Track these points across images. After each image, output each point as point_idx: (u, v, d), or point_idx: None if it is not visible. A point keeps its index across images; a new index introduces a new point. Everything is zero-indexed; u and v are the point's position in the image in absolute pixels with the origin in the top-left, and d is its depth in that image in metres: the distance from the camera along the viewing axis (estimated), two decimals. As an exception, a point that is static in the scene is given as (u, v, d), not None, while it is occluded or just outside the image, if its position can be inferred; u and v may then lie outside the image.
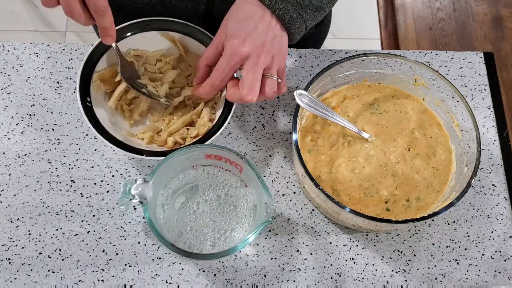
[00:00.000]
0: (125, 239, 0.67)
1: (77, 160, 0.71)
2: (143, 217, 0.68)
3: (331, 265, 0.67)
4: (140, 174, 0.71)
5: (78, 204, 0.69)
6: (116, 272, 0.66)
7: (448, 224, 0.70)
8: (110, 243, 0.67)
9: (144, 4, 0.75)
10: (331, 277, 0.67)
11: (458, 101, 0.66)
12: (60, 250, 0.66)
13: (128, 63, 0.69)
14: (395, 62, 0.69)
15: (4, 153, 0.71)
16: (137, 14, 0.69)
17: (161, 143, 0.67)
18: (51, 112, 0.73)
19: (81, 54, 0.77)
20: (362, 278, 0.67)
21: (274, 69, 0.62)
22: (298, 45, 0.79)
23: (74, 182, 0.70)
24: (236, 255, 0.67)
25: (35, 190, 0.69)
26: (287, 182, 0.71)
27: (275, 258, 0.67)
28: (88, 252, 0.66)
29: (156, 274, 0.66)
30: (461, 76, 0.79)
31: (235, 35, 0.60)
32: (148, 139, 0.67)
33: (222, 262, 0.67)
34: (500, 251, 0.69)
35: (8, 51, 0.76)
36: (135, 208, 0.69)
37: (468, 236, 0.69)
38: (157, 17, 0.70)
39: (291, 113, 0.75)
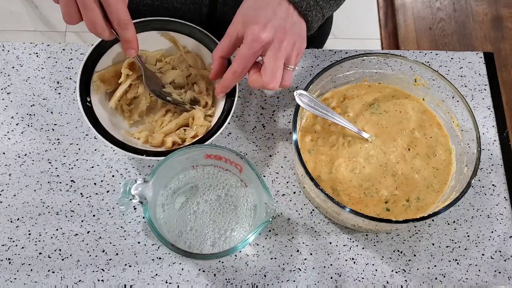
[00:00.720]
0: (125, 239, 0.67)
1: (77, 160, 0.71)
2: (143, 217, 0.68)
3: (331, 265, 0.67)
4: (140, 174, 0.71)
5: (78, 204, 0.69)
6: (116, 272, 0.66)
7: (448, 224, 0.70)
8: (110, 243, 0.67)
9: (146, 7, 0.75)
10: (331, 277, 0.67)
11: (458, 101, 0.67)
12: (60, 250, 0.66)
13: (152, 73, 0.69)
14: (395, 62, 0.69)
15: (4, 153, 0.71)
16: (140, 16, 0.70)
17: (157, 144, 0.67)
18: (51, 112, 0.73)
19: (81, 54, 0.77)
20: (362, 278, 0.67)
21: (294, 57, 0.61)
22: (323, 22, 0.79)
23: (74, 182, 0.70)
24: (236, 255, 0.67)
25: (35, 190, 0.69)
26: (287, 182, 0.71)
27: (275, 258, 0.67)
28: (88, 252, 0.66)
29: (156, 274, 0.66)
30: (461, 76, 0.79)
31: (254, 22, 0.58)
32: (144, 138, 0.67)
33: (222, 262, 0.67)
34: (500, 251, 0.69)
35: (8, 51, 0.76)
36: (135, 208, 0.69)
37: (468, 236, 0.69)
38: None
39: (291, 113, 0.75)
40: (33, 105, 0.73)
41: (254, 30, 0.58)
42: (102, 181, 0.70)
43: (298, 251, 0.68)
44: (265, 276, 0.66)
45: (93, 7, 0.56)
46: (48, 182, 0.69)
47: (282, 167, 0.72)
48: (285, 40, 0.59)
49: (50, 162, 0.70)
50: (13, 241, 0.67)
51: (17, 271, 0.65)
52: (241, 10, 0.61)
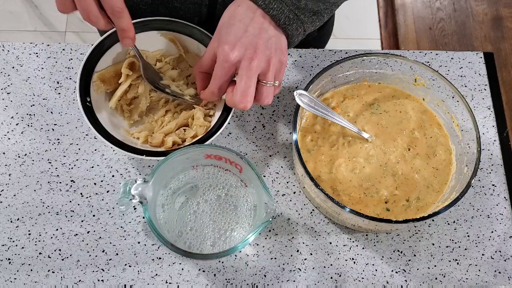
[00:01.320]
0: (125, 239, 0.67)
1: (77, 160, 0.71)
2: (143, 217, 0.68)
3: (331, 265, 0.67)
4: (140, 174, 0.71)
5: (78, 204, 0.69)
6: (116, 272, 0.66)
7: (448, 224, 0.70)
8: (110, 243, 0.67)
9: (146, 6, 0.75)
10: (331, 277, 0.67)
11: (458, 101, 0.67)
12: (60, 250, 0.66)
13: (149, 65, 0.69)
14: (395, 62, 0.69)
15: (4, 153, 0.71)
16: (140, 16, 0.70)
17: (157, 144, 0.67)
18: (51, 112, 0.73)
19: (81, 54, 0.77)
20: (362, 278, 0.67)
21: (271, 72, 0.59)
22: (300, 47, 0.79)
23: (74, 182, 0.70)
24: (236, 255, 0.67)
25: (35, 190, 0.69)
26: (287, 182, 0.71)
27: (275, 258, 0.67)
28: (88, 252, 0.66)
29: (156, 274, 0.66)
30: (461, 76, 0.79)
31: (225, 41, 0.58)
32: (144, 138, 0.67)
33: (222, 262, 0.67)
34: (500, 251, 0.69)
35: (8, 51, 0.76)
36: (135, 208, 0.69)
37: (468, 236, 0.69)
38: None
39: (291, 113, 0.75)
40: (33, 105, 0.73)
41: (224, 50, 0.58)
42: (102, 181, 0.70)
43: (298, 251, 0.68)
44: (265, 276, 0.66)
45: None
46: (48, 182, 0.69)
47: (282, 167, 0.72)
48: (255, 57, 0.57)
49: (50, 162, 0.70)
50: (13, 241, 0.67)
51: (17, 271, 0.65)
52: (217, 29, 0.61)
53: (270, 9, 0.59)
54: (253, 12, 0.59)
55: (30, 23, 1.78)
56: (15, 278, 0.65)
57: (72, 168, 0.70)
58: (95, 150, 0.71)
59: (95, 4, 0.56)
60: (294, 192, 0.71)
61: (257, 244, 0.68)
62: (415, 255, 0.68)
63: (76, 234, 0.67)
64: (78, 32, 1.80)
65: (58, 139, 0.72)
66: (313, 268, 0.67)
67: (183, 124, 0.69)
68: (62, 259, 0.66)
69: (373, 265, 0.67)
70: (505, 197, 0.71)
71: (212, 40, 0.61)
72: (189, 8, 0.74)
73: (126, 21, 0.59)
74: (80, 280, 0.65)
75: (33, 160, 0.70)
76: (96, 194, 0.69)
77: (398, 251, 0.68)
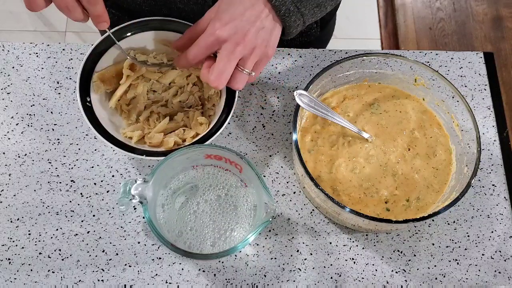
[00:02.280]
0: (125, 239, 0.67)
1: (77, 160, 0.71)
2: (143, 217, 0.68)
3: (331, 265, 0.67)
4: (140, 174, 0.71)
5: (78, 204, 0.69)
6: (116, 272, 0.66)
7: (448, 224, 0.70)
8: (110, 243, 0.67)
9: (149, 7, 0.75)
10: (331, 277, 0.67)
11: (458, 101, 0.67)
12: (60, 250, 0.66)
13: (120, 46, 0.68)
14: (395, 62, 0.69)
15: (4, 153, 0.71)
16: (142, 17, 0.70)
17: (156, 144, 0.67)
18: (51, 112, 0.73)
19: (81, 54, 0.77)
20: (362, 278, 0.67)
21: (251, 61, 0.60)
22: (302, 47, 0.79)
23: (74, 182, 0.70)
24: (236, 255, 0.67)
25: (35, 190, 0.69)
26: (287, 182, 0.71)
27: (275, 258, 0.67)
28: (88, 252, 0.66)
29: (156, 274, 0.66)
30: (461, 76, 0.79)
31: (219, 17, 0.58)
32: (137, 138, 0.67)
33: (222, 262, 0.67)
34: (500, 251, 0.69)
35: (8, 51, 0.76)
36: (135, 208, 0.69)
37: (468, 236, 0.69)
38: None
39: (291, 113, 0.75)
40: (33, 105, 0.73)
41: (214, 24, 0.58)
42: (102, 181, 0.70)
43: (298, 251, 0.68)
44: (265, 276, 0.66)
45: None
46: (48, 182, 0.69)
47: (282, 167, 0.72)
48: (241, 43, 0.58)
49: (50, 162, 0.70)
50: (13, 241, 0.67)
51: (17, 271, 0.65)
52: (218, 2, 0.61)
53: None
54: None
55: (30, 23, 1.78)
56: (15, 278, 0.65)
57: (72, 168, 0.70)
58: (95, 150, 0.71)
59: None
60: (294, 192, 0.70)
61: (257, 244, 0.68)
62: (415, 255, 0.68)
63: (76, 234, 0.67)
64: (78, 32, 1.80)
65: (58, 139, 0.72)
66: (313, 268, 0.67)
67: (176, 127, 0.69)
68: (62, 259, 0.66)
69: (373, 265, 0.67)
70: (505, 197, 0.71)
71: (209, 10, 0.61)
72: (192, 9, 0.74)
73: (101, 7, 0.58)
74: (80, 280, 0.65)
75: (33, 160, 0.70)
76: (96, 194, 0.69)
77: (398, 251, 0.68)
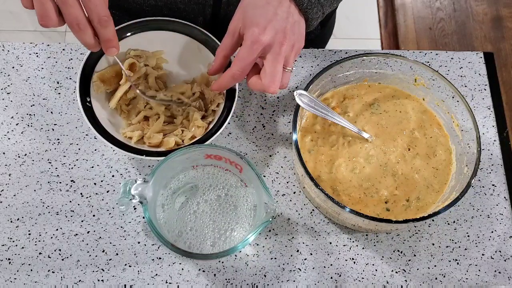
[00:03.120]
0: (125, 239, 0.67)
1: (77, 160, 0.71)
2: (143, 217, 0.68)
3: (331, 265, 0.67)
4: (140, 174, 0.71)
5: (78, 204, 0.69)
6: (116, 272, 0.66)
7: (448, 224, 0.70)
8: (110, 243, 0.67)
9: (150, 7, 0.75)
10: (331, 277, 0.67)
11: (458, 101, 0.67)
12: (60, 250, 0.66)
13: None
14: (395, 62, 0.69)
15: (4, 153, 0.71)
16: (144, 16, 0.69)
17: (156, 144, 0.67)
18: (51, 112, 0.73)
19: (81, 54, 0.77)
20: (362, 278, 0.67)
21: (292, 58, 0.60)
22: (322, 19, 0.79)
23: (74, 182, 0.70)
24: (236, 255, 0.67)
25: (35, 190, 0.69)
26: (287, 182, 0.71)
27: (275, 258, 0.67)
28: (88, 252, 0.66)
29: (156, 274, 0.66)
30: (461, 76, 0.79)
31: (254, 23, 0.57)
32: (137, 138, 0.67)
33: (222, 262, 0.67)
34: (500, 251, 0.69)
35: (8, 51, 0.76)
36: (135, 208, 0.69)
37: (468, 236, 0.69)
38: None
39: (291, 113, 0.75)
40: (33, 105, 0.73)
41: (254, 32, 0.57)
42: (102, 181, 0.70)
43: (298, 251, 0.68)
44: (265, 276, 0.66)
45: (74, 2, 0.53)
46: (48, 182, 0.69)
47: (282, 167, 0.72)
48: (285, 42, 0.58)
49: (50, 162, 0.70)
50: (13, 241, 0.67)
51: (17, 271, 0.65)
52: (241, 7, 0.60)
53: None
54: None
55: (30, 23, 1.78)
56: (15, 278, 0.65)
57: (72, 168, 0.70)
58: (95, 150, 0.71)
59: (83, 12, 0.54)
60: (294, 192, 0.70)
61: (257, 244, 0.68)
62: (415, 255, 0.68)
63: (76, 234, 0.67)
64: (78, 32, 1.80)
65: (58, 139, 0.72)
66: (313, 268, 0.67)
67: (175, 128, 0.69)
68: (62, 259, 0.66)
69: (373, 265, 0.67)
70: (505, 197, 0.71)
71: (234, 20, 0.60)
72: (193, 9, 0.74)
73: (112, 30, 0.57)
74: (80, 280, 0.65)
75: (33, 160, 0.70)
76: (96, 194, 0.69)
77: (398, 251, 0.68)
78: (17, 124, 0.72)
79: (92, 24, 0.55)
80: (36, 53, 0.76)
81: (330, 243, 0.68)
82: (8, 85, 0.74)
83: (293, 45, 0.59)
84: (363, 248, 0.68)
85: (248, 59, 0.58)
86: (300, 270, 0.67)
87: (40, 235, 0.67)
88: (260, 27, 0.57)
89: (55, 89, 0.75)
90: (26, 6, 0.54)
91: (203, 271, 0.66)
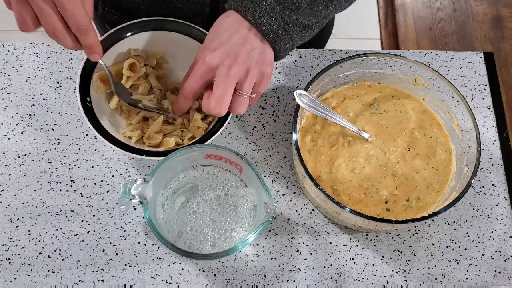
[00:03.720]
0: (125, 239, 0.67)
1: (77, 160, 0.71)
2: (143, 217, 0.68)
3: (331, 265, 0.67)
4: (140, 174, 0.71)
5: (78, 204, 0.69)
6: (116, 272, 0.66)
7: (448, 224, 0.70)
8: (110, 243, 0.67)
9: (148, 6, 0.75)
10: (331, 277, 0.67)
11: (458, 101, 0.67)
12: (60, 250, 0.66)
13: (119, 82, 0.68)
14: (395, 62, 0.69)
15: (4, 153, 0.71)
16: (142, 16, 0.70)
17: (156, 144, 0.67)
18: (51, 112, 0.73)
19: (81, 54, 0.77)
20: (362, 278, 0.67)
21: (248, 83, 0.59)
22: (301, 46, 0.79)
23: (74, 182, 0.70)
24: (236, 255, 0.67)
25: (35, 190, 0.69)
26: (287, 182, 0.71)
27: (275, 258, 0.67)
28: (88, 252, 0.66)
29: (156, 274, 0.66)
30: (461, 76, 0.79)
31: (207, 47, 0.59)
32: (136, 138, 0.67)
33: (222, 262, 0.67)
34: (500, 251, 0.69)
35: (8, 51, 0.76)
36: (135, 208, 0.69)
37: (468, 236, 0.69)
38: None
39: (291, 113, 0.75)
40: (33, 105, 0.73)
41: (204, 53, 0.58)
42: (102, 181, 0.70)
43: (298, 251, 0.68)
44: (265, 276, 0.66)
45: (51, 12, 0.53)
46: (48, 182, 0.69)
47: (282, 167, 0.72)
48: (234, 66, 0.58)
49: (50, 162, 0.70)
50: (13, 241, 0.67)
51: (17, 271, 0.65)
52: (206, 36, 0.61)
53: (259, 24, 0.59)
54: (239, 24, 0.59)
55: (30, 23, 1.78)
56: (15, 278, 0.65)
57: (72, 168, 0.70)
58: (95, 150, 0.71)
59: (60, 21, 0.54)
60: (294, 192, 0.70)
61: (257, 244, 0.68)
62: (415, 255, 0.68)
63: (76, 234, 0.67)
64: (78, 32, 1.80)
65: (58, 139, 0.72)
66: (313, 268, 0.67)
67: (174, 129, 0.69)
68: (62, 259, 0.66)
69: (373, 265, 0.67)
70: (505, 197, 0.71)
71: (199, 50, 0.61)
72: (191, 8, 0.74)
73: (92, 38, 0.57)
74: (80, 280, 0.65)
75: (33, 160, 0.70)
76: (96, 194, 0.69)
77: (398, 251, 0.68)
78: (17, 124, 0.72)
79: (73, 31, 0.56)
80: (36, 53, 0.76)
81: (330, 243, 0.68)
82: (8, 85, 0.74)
83: (248, 70, 0.59)
84: (363, 248, 0.68)
85: (196, 78, 0.59)
86: (300, 270, 0.67)
87: (40, 235, 0.67)
88: (210, 49, 0.58)
89: (55, 89, 0.75)
90: (8, 7, 0.55)
91: (203, 271, 0.66)
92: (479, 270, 0.68)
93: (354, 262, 0.67)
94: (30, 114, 0.73)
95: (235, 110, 0.61)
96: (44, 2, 0.53)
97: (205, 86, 0.61)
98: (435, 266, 0.68)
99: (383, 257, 0.68)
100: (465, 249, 0.69)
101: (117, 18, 0.81)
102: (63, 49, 0.77)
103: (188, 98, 0.62)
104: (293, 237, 0.68)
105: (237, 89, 0.60)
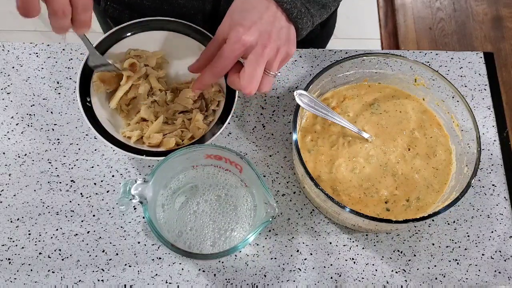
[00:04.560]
0: (125, 239, 0.67)
1: (77, 160, 0.71)
2: (143, 217, 0.68)
3: (331, 265, 0.67)
4: (140, 174, 0.71)
5: (78, 204, 0.69)
6: (116, 272, 0.66)
7: (448, 224, 0.70)
8: (110, 243, 0.67)
9: (150, 2, 0.75)
10: (331, 277, 0.67)
11: (458, 101, 0.67)
12: (60, 250, 0.66)
13: (93, 49, 0.66)
14: (395, 62, 0.69)
15: (4, 153, 0.71)
16: (143, 11, 0.69)
17: (155, 144, 0.67)
18: (51, 112, 0.73)
19: (81, 54, 0.77)
20: (362, 278, 0.67)
21: (276, 62, 0.60)
22: (303, 45, 0.79)
23: (74, 182, 0.70)
24: (236, 255, 0.67)
25: (35, 190, 0.69)
26: (287, 182, 0.71)
27: (275, 258, 0.67)
28: (88, 252, 0.66)
29: (156, 274, 0.66)
30: (461, 76, 0.79)
31: (239, 24, 0.58)
32: (136, 137, 0.67)
33: (222, 262, 0.67)
34: (500, 251, 0.69)
35: (8, 51, 0.76)
36: (135, 208, 0.69)
37: (468, 236, 0.69)
38: (163, 15, 0.70)
39: (291, 113, 0.75)
40: (33, 105, 0.73)
41: (237, 31, 0.57)
42: (102, 181, 0.70)
43: (298, 251, 0.68)
44: (265, 276, 0.66)
45: None
46: (48, 182, 0.69)
47: (282, 167, 0.72)
48: (268, 45, 0.58)
49: (50, 162, 0.70)
50: (13, 241, 0.67)
51: (17, 271, 0.65)
52: (229, 13, 0.60)
53: (284, 2, 0.59)
54: (268, 2, 0.59)
55: (30, 23, 1.78)
56: (15, 278, 0.65)
57: (72, 168, 0.70)
58: (95, 150, 0.71)
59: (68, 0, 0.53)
60: (294, 192, 0.70)
61: (257, 244, 0.68)
62: (415, 255, 0.68)
63: (76, 234, 0.67)
64: (78, 32, 1.80)
65: (58, 139, 0.72)
66: (313, 268, 0.67)
67: (175, 129, 0.69)
68: (62, 259, 0.66)
69: (373, 265, 0.67)
70: (505, 197, 0.71)
71: (222, 24, 0.60)
72: (193, 5, 0.74)
73: (91, 13, 0.56)
74: (80, 280, 0.65)
75: (33, 160, 0.70)
76: (96, 194, 0.69)
77: (398, 251, 0.68)
78: (17, 124, 0.72)
79: (74, 9, 0.54)
80: (36, 53, 0.76)
81: (330, 243, 0.68)
82: (8, 85, 0.74)
83: (278, 49, 0.59)
84: (363, 248, 0.68)
85: (229, 57, 0.59)
86: (300, 270, 0.67)
87: (40, 235, 0.67)
88: (244, 27, 0.57)
89: (55, 89, 0.75)
90: None
91: (203, 271, 0.66)
92: (479, 270, 0.68)
93: (354, 262, 0.67)
94: (30, 114, 0.73)
95: (262, 89, 0.61)
96: None
97: (233, 63, 0.60)
98: (435, 266, 0.68)
99: (383, 257, 0.68)
100: (465, 249, 0.69)
101: (119, 13, 0.81)
102: (63, 49, 0.77)
103: (218, 75, 0.61)
104: (293, 237, 0.68)
105: (265, 69, 0.60)
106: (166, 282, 0.66)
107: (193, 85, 0.65)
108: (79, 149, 0.71)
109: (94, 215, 0.68)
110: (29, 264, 0.66)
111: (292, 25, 0.61)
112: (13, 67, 0.75)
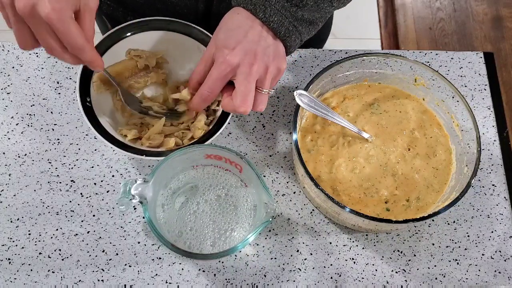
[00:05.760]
0: (125, 239, 0.67)
1: (77, 160, 0.71)
2: (143, 217, 0.68)
3: (331, 265, 0.67)
4: (140, 174, 0.71)
5: (78, 204, 0.69)
6: (116, 272, 0.66)
7: (448, 224, 0.70)
8: (110, 243, 0.67)
9: (143, 0, 0.75)
10: (331, 277, 0.67)
11: (458, 101, 0.67)
12: (60, 250, 0.66)
13: (127, 90, 0.68)
14: (395, 62, 0.69)
15: (4, 153, 0.71)
16: (137, 9, 0.69)
17: (157, 144, 0.67)
18: (51, 112, 0.73)
19: (81, 54, 0.77)
20: (362, 278, 0.67)
21: (268, 80, 0.60)
22: (300, 46, 0.79)
23: (74, 182, 0.70)
24: (236, 255, 0.67)
25: (35, 190, 0.69)
26: (287, 182, 0.71)
27: (275, 258, 0.67)
28: (88, 252, 0.66)
29: (156, 274, 0.66)
30: (461, 76, 0.79)
31: (224, 45, 0.58)
32: (132, 136, 0.67)
33: (222, 262, 0.67)
34: (500, 251, 0.69)
35: (8, 51, 0.76)
36: (135, 208, 0.69)
37: (468, 236, 0.69)
38: (157, 13, 0.70)
39: (291, 113, 0.75)
40: (33, 105, 0.73)
41: (223, 53, 0.58)
42: (102, 181, 0.70)
43: (298, 251, 0.68)
44: (265, 276, 0.66)
45: (46, 32, 0.53)
46: (48, 182, 0.69)
47: (282, 167, 0.72)
48: (255, 63, 0.58)
49: (50, 162, 0.70)
50: (13, 241, 0.67)
51: (17, 271, 0.65)
52: (216, 32, 0.61)
53: (270, 22, 0.59)
54: (251, 21, 0.59)
55: (30, 23, 1.78)
56: (15, 278, 0.65)
57: (72, 168, 0.70)
58: (95, 150, 0.71)
59: (57, 42, 0.54)
60: (294, 192, 0.70)
61: (257, 244, 0.68)
62: (415, 255, 0.68)
63: (76, 234, 0.67)
64: (78, 32, 1.80)
65: (58, 139, 0.72)
66: (313, 268, 0.67)
67: (175, 130, 0.69)
68: (62, 259, 0.66)
69: (373, 265, 0.67)
70: (505, 197, 0.71)
71: (209, 46, 0.61)
72: (186, 4, 0.74)
73: (90, 54, 0.56)
74: (80, 280, 0.65)
75: (33, 160, 0.70)
76: (96, 194, 0.69)
77: (398, 251, 0.68)
78: (17, 124, 0.72)
79: (69, 50, 0.55)
80: (36, 53, 0.76)
81: (330, 243, 0.68)
82: (8, 85, 0.74)
83: (267, 67, 0.59)
84: (363, 248, 0.68)
85: (216, 79, 0.59)
86: (300, 270, 0.67)
87: (40, 235, 0.67)
88: (229, 48, 0.58)
89: (55, 89, 0.75)
90: (8, 26, 0.56)
91: (203, 271, 0.66)
92: (479, 270, 0.68)
93: (354, 262, 0.67)
94: (30, 114, 0.73)
95: (257, 106, 0.61)
96: (39, 23, 0.53)
97: (223, 85, 0.61)
98: (435, 266, 0.68)
99: (383, 257, 0.68)
100: (465, 249, 0.69)
101: (113, 10, 0.81)
102: (63, 49, 0.77)
103: (207, 99, 0.62)
104: (293, 237, 0.68)
105: (257, 87, 0.60)
106: (166, 282, 0.66)
107: (188, 107, 0.66)
108: (79, 149, 0.71)
109: (94, 215, 0.68)
110: (29, 264, 0.66)
111: (280, 42, 0.61)
112: (13, 67, 0.75)
